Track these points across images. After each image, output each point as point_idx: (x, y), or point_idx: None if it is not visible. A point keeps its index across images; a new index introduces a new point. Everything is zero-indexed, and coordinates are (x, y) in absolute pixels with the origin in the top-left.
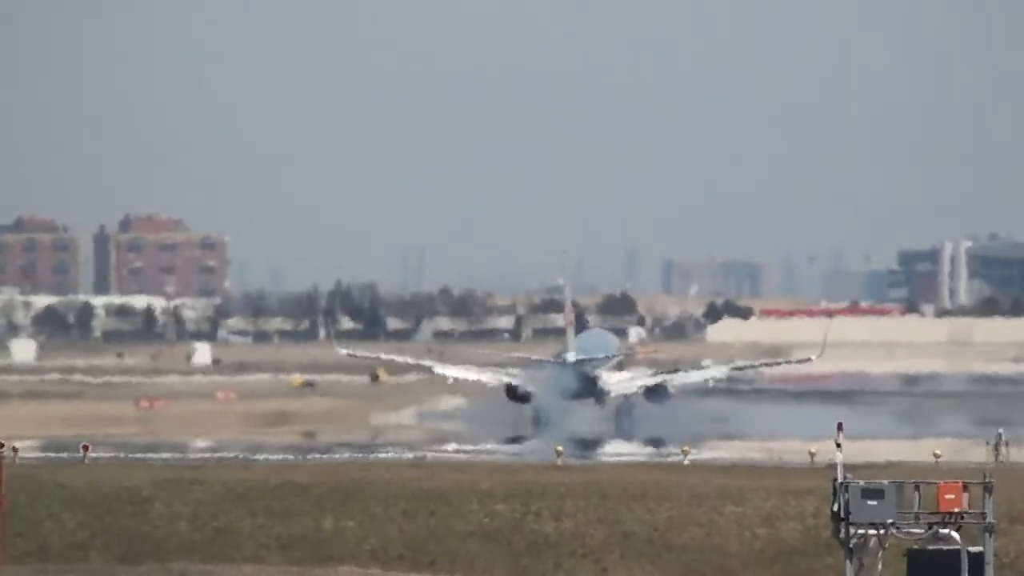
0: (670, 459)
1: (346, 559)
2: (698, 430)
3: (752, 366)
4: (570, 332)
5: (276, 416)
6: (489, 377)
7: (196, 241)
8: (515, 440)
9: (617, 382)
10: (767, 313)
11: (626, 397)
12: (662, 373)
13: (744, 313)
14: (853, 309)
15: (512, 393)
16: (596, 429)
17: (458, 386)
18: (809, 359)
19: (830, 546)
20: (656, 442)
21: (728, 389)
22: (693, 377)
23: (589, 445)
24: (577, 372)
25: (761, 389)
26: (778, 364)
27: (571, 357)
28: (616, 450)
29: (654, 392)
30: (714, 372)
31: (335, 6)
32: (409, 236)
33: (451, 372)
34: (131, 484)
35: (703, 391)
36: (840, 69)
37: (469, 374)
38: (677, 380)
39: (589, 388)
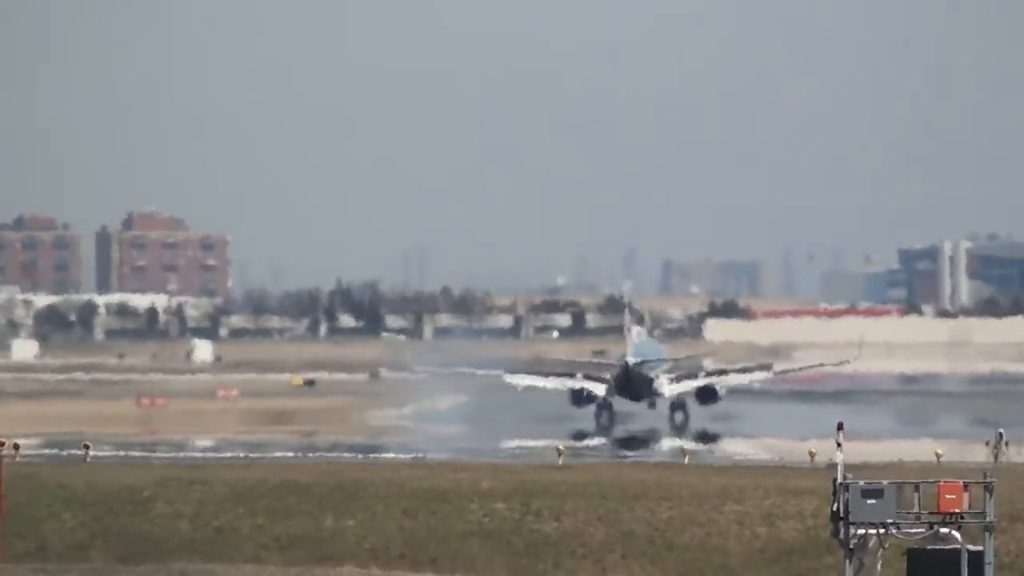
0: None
1: (346, 559)
2: (703, 429)
3: (793, 369)
4: (628, 335)
5: (277, 414)
6: (556, 384)
7: (197, 240)
8: (580, 436)
9: (670, 384)
10: (767, 313)
11: (678, 397)
12: (711, 374)
13: (743, 313)
14: (853, 309)
15: (578, 398)
16: (650, 427)
17: (531, 393)
18: (847, 361)
19: (830, 546)
20: (707, 439)
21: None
22: (739, 379)
23: (644, 442)
24: (636, 373)
25: (761, 389)
26: (816, 367)
27: (631, 360)
28: (671, 446)
29: (705, 393)
30: (759, 375)
31: (335, 6)
32: (410, 235)
33: (519, 380)
34: (132, 483)
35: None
36: (840, 69)
37: (538, 382)
38: (724, 382)
39: (645, 389)
